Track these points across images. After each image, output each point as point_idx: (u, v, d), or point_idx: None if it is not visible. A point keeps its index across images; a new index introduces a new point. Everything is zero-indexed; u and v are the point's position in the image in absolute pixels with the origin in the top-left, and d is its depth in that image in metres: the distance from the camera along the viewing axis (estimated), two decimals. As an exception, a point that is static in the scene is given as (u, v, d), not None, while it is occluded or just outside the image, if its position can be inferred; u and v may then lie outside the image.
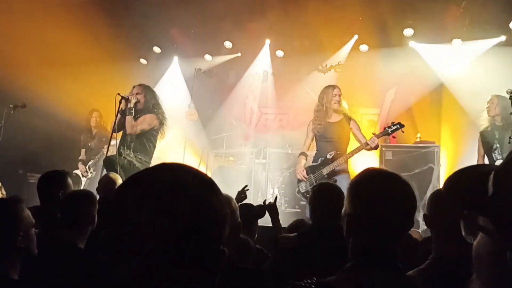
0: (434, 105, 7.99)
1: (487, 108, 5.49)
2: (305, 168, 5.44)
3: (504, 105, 5.15)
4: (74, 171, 7.14)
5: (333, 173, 5.20)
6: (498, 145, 5.22)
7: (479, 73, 7.46)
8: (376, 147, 5.18)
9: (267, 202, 3.60)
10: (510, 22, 7.21)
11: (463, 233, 0.79)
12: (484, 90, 6.02)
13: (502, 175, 0.71)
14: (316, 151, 5.53)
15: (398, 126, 5.18)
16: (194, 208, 0.87)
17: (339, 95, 5.42)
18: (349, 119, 5.43)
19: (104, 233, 0.94)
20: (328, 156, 5.26)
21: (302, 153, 5.59)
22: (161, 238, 0.84)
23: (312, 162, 5.48)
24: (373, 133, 5.19)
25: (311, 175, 5.32)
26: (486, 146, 5.41)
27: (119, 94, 5.31)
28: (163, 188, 0.88)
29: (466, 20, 7.35)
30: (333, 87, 5.51)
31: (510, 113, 4.79)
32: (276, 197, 3.92)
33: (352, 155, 5.23)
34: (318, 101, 5.53)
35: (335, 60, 8.71)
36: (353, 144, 5.45)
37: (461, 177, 0.84)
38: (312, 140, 5.57)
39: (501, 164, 0.73)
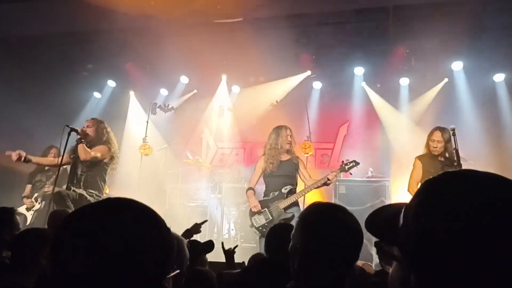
0: (384, 140, 8.29)
1: (432, 140, 5.31)
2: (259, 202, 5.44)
3: (447, 139, 5.24)
4: (17, 209, 6.81)
5: (290, 207, 5.27)
6: None
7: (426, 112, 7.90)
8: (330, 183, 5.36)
9: (225, 245, 3.55)
10: (452, 63, 7.69)
11: (381, 262, 0.88)
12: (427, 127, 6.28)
13: (408, 209, 0.80)
14: (266, 186, 5.58)
15: (354, 163, 5.42)
16: (129, 245, 0.86)
17: (291, 136, 5.54)
18: (296, 158, 5.58)
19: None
20: (283, 191, 5.33)
21: (250, 188, 5.56)
22: (93, 277, 0.83)
23: (264, 196, 5.50)
24: (331, 171, 5.34)
25: (266, 209, 5.33)
26: (428, 176, 5.22)
27: (67, 126, 5.19)
28: (97, 226, 0.87)
29: (412, 61, 7.77)
30: (285, 127, 5.60)
31: (454, 149, 5.02)
32: (237, 246, 3.81)
33: (311, 190, 5.34)
34: (269, 141, 5.59)
35: (289, 96, 8.90)
36: (299, 181, 5.60)
37: (378, 213, 0.93)
38: (260, 176, 5.61)
39: (410, 200, 0.82)
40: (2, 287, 2.40)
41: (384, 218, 0.89)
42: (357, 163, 5.42)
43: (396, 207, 0.87)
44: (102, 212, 0.91)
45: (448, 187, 0.76)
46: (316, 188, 5.36)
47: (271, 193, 5.42)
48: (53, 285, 0.86)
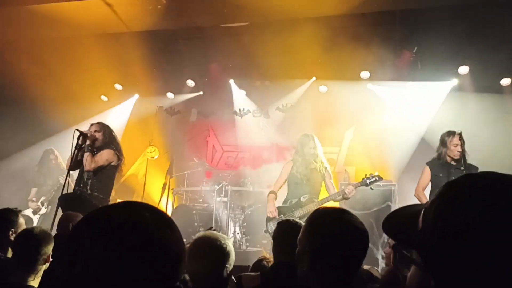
0: (390, 144, 8.26)
1: (454, 145, 5.25)
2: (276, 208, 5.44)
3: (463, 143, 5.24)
4: (23, 211, 6.83)
5: (305, 216, 5.19)
6: None
7: (431, 116, 7.87)
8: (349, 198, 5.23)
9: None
10: (459, 67, 7.66)
11: (398, 266, 0.85)
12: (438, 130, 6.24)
13: (427, 211, 0.78)
14: (288, 193, 5.56)
15: (377, 179, 5.28)
16: (145, 244, 0.88)
17: (314, 148, 5.47)
18: (324, 168, 5.51)
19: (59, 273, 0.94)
20: (302, 199, 5.31)
21: (273, 192, 5.55)
22: (113, 275, 0.84)
23: (283, 203, 5.51)
24: (351, 184, 5.28)
25: (282, 215, 5.31)
26: (438, 181, 5.28)
27: (77, 130, 5.22)
28: (116, 224, 0.89)
29: (418, 64, 7.75)
30: (308, 136, 5.56)
31: (460, 153, 5.05)
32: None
33: (328, 202, 5.27)
34: (296, 149, 5.59)
35: (295, 100, 8.91)
36: (324, 190, 5.56)
37: (396, 215, 0.90)
38: (285, 181, 5.59)
39: (429, 203, 0.79)
40: (7, 286, 2.42)
41: (402, 221, 0.86)
42: (380, 178, 5.30)
43: (415, 209, 0.84)
44: (120, 212, 0.93)
45: (469, 190, 0.74)
46: (330, 201, 5.27)
47: (290, 201, 5.42)
48: (72, 283, 0.87)
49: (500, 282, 0.67)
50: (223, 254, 2.29)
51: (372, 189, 5.40)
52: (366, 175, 5.34)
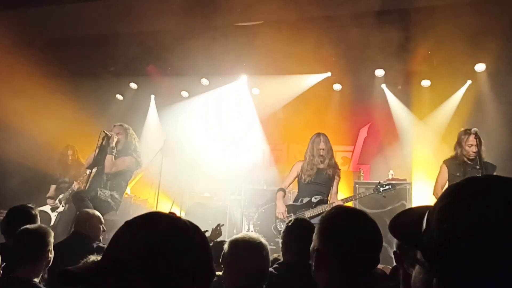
0: (406, 142, 8.20)
1: (469, 145, 5.23)
2: (286, 206, 5.45)
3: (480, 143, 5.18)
4: (41, 208, 6.94)
5: (314, 217, 5.22)
6: None
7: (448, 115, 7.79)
8: None
9: None
10: (475, 65, 7.56)
11: (405, 265, 0.88)
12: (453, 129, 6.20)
13: (431, 213, 0.80)
14: (298, 192, 5.57)
15: (390, 187, 5.39)
16: (167, 233, 1.02)
17: (324, 148, 5.44)
18: (333, 169, 5.50)
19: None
20: (313, 200, 5.33)
21: (282, 189, 5.56)
22: (140, 254, 0.98)
23: (293, 201, 5.52)
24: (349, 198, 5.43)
25: (292, 214, 5.32)
26: (456, 180, 5.24)
27: (104, 131, 5.39)
28: (148, 218, 1.08)
29: (434, 62, 7.67)
30: (318, 135, 5.54)
31: (476, 152, 5.01)
32: None
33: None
34: (307, 149, 5.58)
35: (309, 97, 8.87)
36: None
37: (402, 216, 0.93)
38: (294, 180, 5.60)
39: (433, 204, 0.82)
40: (10, 280, 2.48)
41: (408, 221, 0.89)
42: (393, 187, 5.40)
43: (420, 211, 0.87)
44: (154, 213, 1.12)
45: (473, 193, 0.76)
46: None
47: (301, 199, 5.42)
48: (106, 258, 1.03)
49: (502, 283, 0.69)
50: None
51: (385, 196, 5.48)
52: (379, 182, 5.45)
